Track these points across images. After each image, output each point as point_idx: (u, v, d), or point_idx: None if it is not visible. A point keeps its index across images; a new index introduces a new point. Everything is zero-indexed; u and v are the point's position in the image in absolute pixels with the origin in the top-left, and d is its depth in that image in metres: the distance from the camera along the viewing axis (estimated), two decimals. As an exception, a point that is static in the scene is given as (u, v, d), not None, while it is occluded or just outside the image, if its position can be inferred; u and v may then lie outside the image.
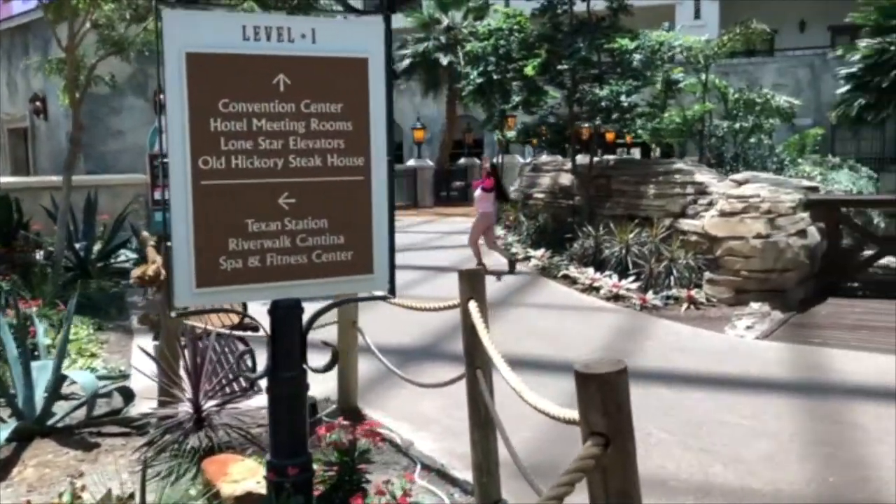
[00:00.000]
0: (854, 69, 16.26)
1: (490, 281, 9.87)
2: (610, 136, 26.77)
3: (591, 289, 9.25)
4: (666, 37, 11.32)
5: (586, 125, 12.50)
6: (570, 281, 9.80)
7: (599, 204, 12.26)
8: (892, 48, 15.11)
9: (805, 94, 27.55)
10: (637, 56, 11.19)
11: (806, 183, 10.06)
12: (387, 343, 6.27)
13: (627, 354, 6.51)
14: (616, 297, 8.78)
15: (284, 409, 3.08)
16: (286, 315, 3.06)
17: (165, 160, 2.80)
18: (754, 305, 7.98)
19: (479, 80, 15.96)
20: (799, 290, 8.50)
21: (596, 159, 13.29)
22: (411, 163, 23.95)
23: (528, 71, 13.22)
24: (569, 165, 13.21)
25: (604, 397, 1.90)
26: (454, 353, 6.04)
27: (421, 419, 5.05)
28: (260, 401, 5.23)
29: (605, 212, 12.01)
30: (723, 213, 8.62)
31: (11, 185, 11.74)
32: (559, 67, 11.55)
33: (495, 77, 15.46)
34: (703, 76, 17.50)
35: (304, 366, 3.09)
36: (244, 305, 5.18)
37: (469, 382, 3.77)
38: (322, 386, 5.46)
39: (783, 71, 28.59)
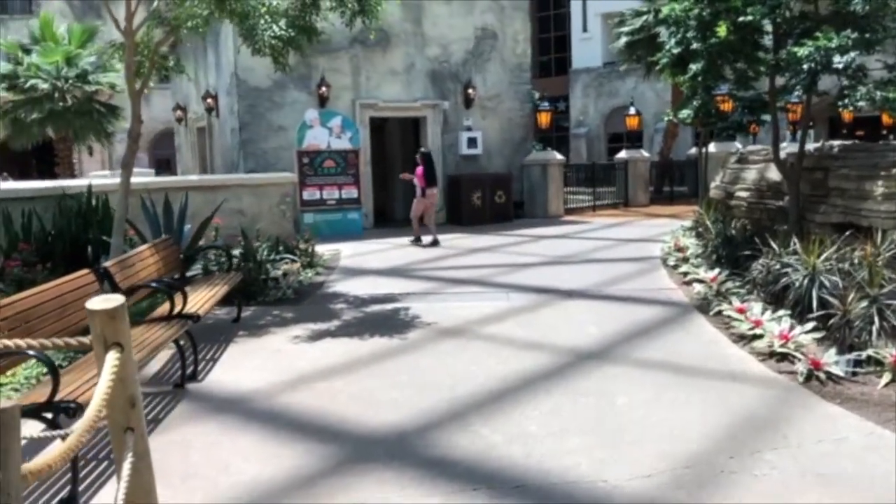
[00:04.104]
0: None
1: (594, 312, 7.20)
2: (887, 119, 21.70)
3: (751, 337, 6.23)
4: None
5: (795, 98, 9.16)
6: (725, 322, 6.80)
7: (813, 207, 8.96)
8: None
9: None
10: (858, -3, 7.73)
11: None
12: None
13: (711, 486, 3.71)
14: (779, 356, 5.74)
15: None
16: None
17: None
18: None
19: (677, 50, 12.87)
20: None
21: (814, 146, 9.87)
22: (622, 154, 20.94)
23: (721, 31, 10.07)
24: (783, 155, 9.96)
25: None
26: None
27: None
28: None
29: (819, 217, 8.72)
30: (962, 230, 5.23)
31: (144, 185, 11.02)
32: (741, 20, 8.43)
33: (695, 46, 12.30)
34: None
35: None
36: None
37: None
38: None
39: None
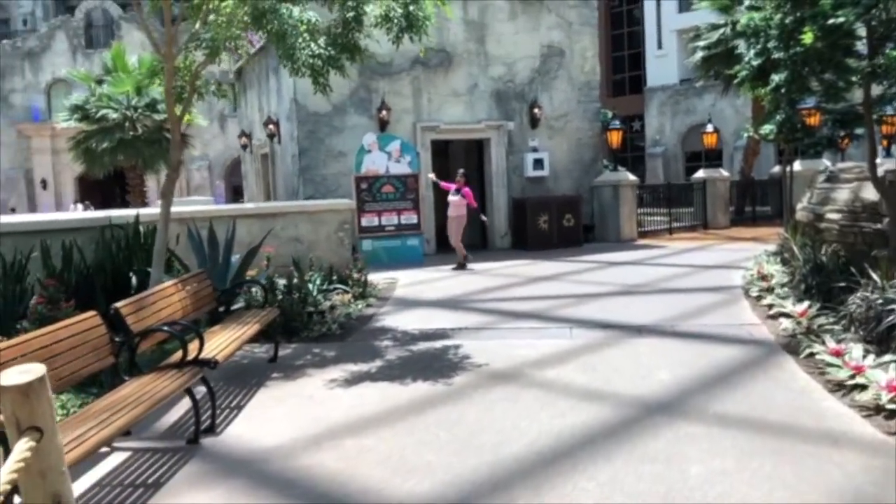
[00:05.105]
0: None
1: (666, 354, 6.38)
2: None
3: (851, 387, 5.33)
4: None
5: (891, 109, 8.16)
6: (818, 367, 5.89)
7: (918, 231, 7.95)
8: None
9: None
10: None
11: None
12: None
13: None
14: (888, 413, 4.83)
15: None
16: None
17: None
18: None
19: (757, 62, 11.89)
20: None
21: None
22: (700, 174, 19.83)
23: (806, 38, 9.14)
24: (880, 172, 8.94)
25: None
26: None
27: None
28: None
29: (926, 243, 7.71)
30: None
31: (191, 214, 10.71)
32: (830, 23, 7.53)
33: (777, 56, 11.30)
34: None
35: None
36: None
37: None
38: None
39: None
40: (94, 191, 33.34)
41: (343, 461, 4.46)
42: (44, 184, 34.38)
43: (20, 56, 34.85)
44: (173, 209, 11.33)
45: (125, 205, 25.40)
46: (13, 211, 31.76)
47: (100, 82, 20.84)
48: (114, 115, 19.46)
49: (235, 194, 35.00)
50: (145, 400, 4.20)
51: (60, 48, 35.25)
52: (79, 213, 12.31)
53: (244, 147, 20.12)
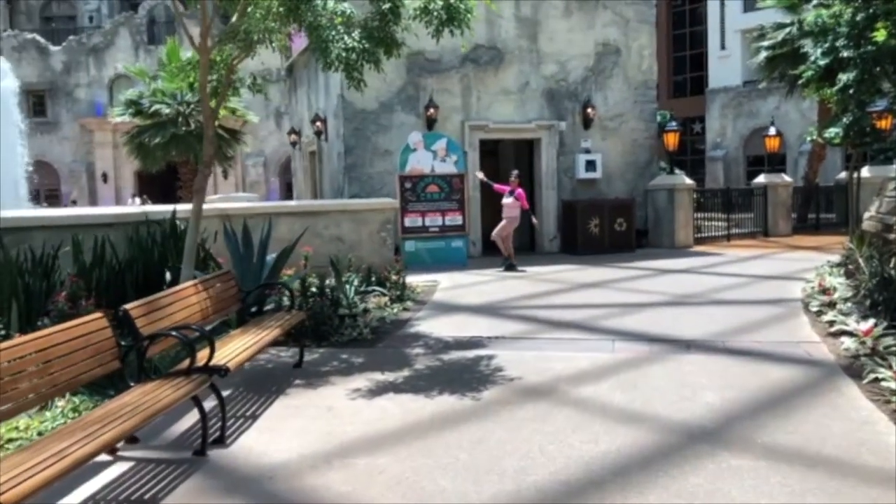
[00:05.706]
0: None
1: (715, 373, 5.89)
2: None
3: (920, 419, 4.80)
4: None
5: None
6: (883, 394, 5.35)
7: None
8: None
9: None
10: None
11: None
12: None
13: None
14: (962, 450, 4.30)
15: None
16: None
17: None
18: None
19: (824, 62, 11.23)
20: None
21: None
22: (760, 179, 19.02)
23: (879, 36, 8.52)
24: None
25: None
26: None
27: None
28: None
29: None
30: None
31: (224, 211, 10.58)
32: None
33: (846, 55, 10.62)
34: None
35: None
36: None
37: None
38: None
39: None
40: (154, 185, 33.81)
41: (351, 483, 4.14)
42: (104, 177, 35.07)
43: (85, 52, 35.64)
44: (212, 206, 11.23)
45: (180, 200, 25.66)
46: (74, 203, 32.44)
47: (155, 78, 20.99)
48: (167, 111, 19.53)
49: (289, 191, 35.15)
50: (141, 411, 3.93)
51: (124, 44, 35.93)
52: (113, 208, 12.30)
53: (293, 144, 20.07)
